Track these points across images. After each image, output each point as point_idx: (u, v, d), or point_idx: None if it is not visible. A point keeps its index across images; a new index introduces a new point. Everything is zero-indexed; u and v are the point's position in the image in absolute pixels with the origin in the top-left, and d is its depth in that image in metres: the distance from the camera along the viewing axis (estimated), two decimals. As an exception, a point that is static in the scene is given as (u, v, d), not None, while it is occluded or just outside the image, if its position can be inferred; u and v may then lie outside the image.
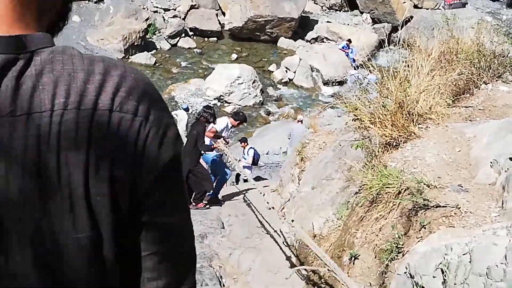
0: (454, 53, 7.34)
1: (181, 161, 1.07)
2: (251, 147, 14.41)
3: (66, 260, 0.94)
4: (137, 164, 0.97)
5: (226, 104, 21.05)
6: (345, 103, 5.57)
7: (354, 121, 5.52)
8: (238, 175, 14.37)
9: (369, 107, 5.38)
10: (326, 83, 23.51)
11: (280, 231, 8.27)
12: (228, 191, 12.22)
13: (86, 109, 0.94)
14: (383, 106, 5.07)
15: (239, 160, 13.77)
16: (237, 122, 11.61)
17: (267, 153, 17.96)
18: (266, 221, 9.33)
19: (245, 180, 13.41)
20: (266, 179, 15.19)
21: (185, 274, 1.11)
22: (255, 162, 14.56)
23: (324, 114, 17.40)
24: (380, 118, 5.13)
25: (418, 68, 5.53)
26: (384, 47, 19.44)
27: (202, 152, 10.39)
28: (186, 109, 17.96)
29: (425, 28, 18.10)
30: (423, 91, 5.23)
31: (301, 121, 15.87)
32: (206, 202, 10.58)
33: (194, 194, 10.47)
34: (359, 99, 5.50)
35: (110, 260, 0.98)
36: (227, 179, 11.48)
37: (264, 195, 8.39)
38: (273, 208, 7.73)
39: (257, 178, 14.42)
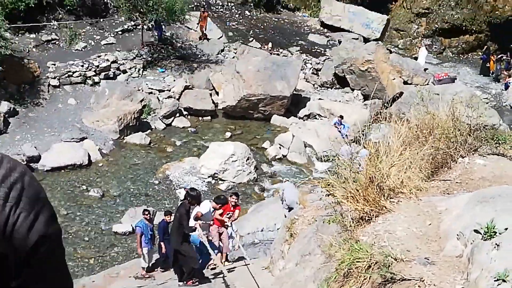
0: (430, 128, 7.53)
1: (55, 238, 1.18)
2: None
3: None
4: (8, 244, 1.09)
5: (220, 182, 21.16)
6: (317, 179, 5.70)
7: (328, 196, 5.64)
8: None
9: (343, 182, 5.50)
10: (319, 159, 23.72)
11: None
12: (218, 269, 12.24)
13: None
14: (354, 181, 5.19)
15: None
16: (219, 205, 12.06)
17: (262, 230, 17.91)
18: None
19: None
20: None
21: None
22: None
23: (317, 189, 17.52)
24: (352, 193, 5.25)
25: (389, 143, 5.70)
26: (375, 122, 19.84)
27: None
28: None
29: (416, 104, 18.51)
30: (392, 166, 5.37)
31: (287, 180, 16.10)
32: (195, 280, 10.75)
33: (184, 272, 10.72)
34: (333, 175, 5.63)
35: None
36: (210, 259, 11.76)
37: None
38: None
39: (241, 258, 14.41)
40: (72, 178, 20.50)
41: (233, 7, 35.77)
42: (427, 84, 29.49)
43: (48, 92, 25.04)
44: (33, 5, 26.35)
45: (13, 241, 1.10)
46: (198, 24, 30.79)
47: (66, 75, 25.82)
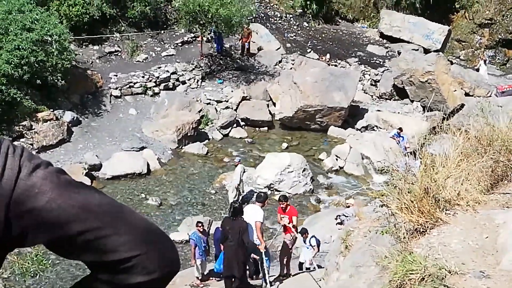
0: (489, 140, 7.34)
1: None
2: (312, 236, 14.42)
3: None
4: None
5: (276, 193, 21.16)
6: (372, 191, 5.65)
7: (381, 207, 5.57)
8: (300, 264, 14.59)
9: (397, 193, 5.43)
10: (377, 171, 23.43)
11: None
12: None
13: None
14: (408, 192, 5.12)
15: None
16: (262, 203, 12.37)
17: (317, 242, 17.86)
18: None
19: (307, 268, 13.74)
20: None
21: None
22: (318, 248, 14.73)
23: (373, 201, 17.30)
24: (406, 204, 5.18)
25: (445, 154, 5.60)
26: (436, 134, 19.44)
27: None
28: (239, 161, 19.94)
29: (475, 115, 18.05)
30: (449, 177, 5.27)
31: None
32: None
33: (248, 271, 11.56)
34: (388, 186, 5.57)
35: None
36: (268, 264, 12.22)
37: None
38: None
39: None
40: (132, 187, 20.94)
41: (291, 19, 35.88)
42: (490, 96, 28.75)
43: (110, 102, 25.73)
44: (97, 18, 27.20)
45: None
46: (240, 40, 30.79)
47: (128, 85, 26.47)
